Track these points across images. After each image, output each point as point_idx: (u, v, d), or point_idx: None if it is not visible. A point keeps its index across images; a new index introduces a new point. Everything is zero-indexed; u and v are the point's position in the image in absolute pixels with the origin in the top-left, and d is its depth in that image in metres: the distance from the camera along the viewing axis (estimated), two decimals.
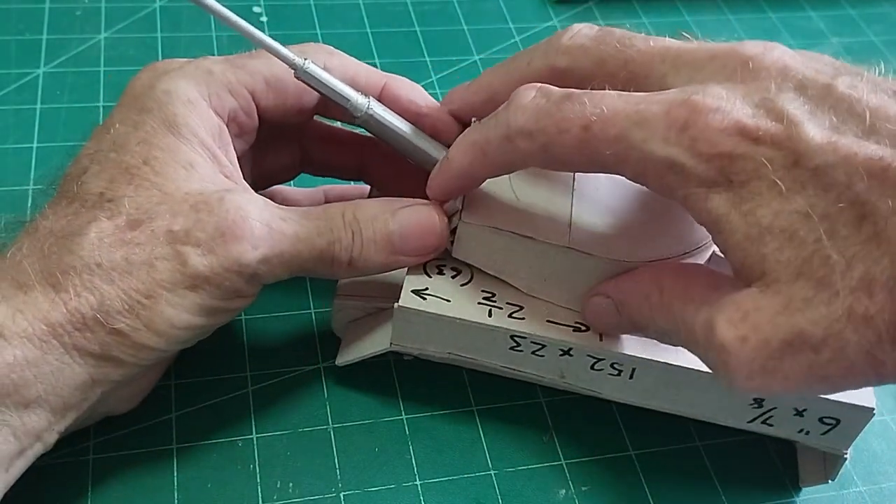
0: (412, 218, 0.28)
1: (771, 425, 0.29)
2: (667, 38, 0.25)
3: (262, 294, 0.34)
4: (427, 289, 0.29)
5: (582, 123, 0.23)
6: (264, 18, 0.47)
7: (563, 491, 0.30)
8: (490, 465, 0.31)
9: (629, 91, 0.24)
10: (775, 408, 0.28)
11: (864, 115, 0.21)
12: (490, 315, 0.29)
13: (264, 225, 0.26)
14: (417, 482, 0.30)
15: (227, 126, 0.28)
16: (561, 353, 0.29)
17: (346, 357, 0.32)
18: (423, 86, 0.45)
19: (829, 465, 0.30)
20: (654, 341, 0.27)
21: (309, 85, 0.28)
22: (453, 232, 0.29)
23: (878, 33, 0.52)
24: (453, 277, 0.29)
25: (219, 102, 0.27)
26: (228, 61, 0.28)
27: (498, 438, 0.31)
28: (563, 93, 0.24)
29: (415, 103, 0.30)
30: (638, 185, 0.26)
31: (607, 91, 0.24)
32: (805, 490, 0.31)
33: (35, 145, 0.39)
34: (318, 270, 0.28)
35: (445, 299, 0.29)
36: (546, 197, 0.29)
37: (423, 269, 0.30)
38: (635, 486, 0.31)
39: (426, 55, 0.46)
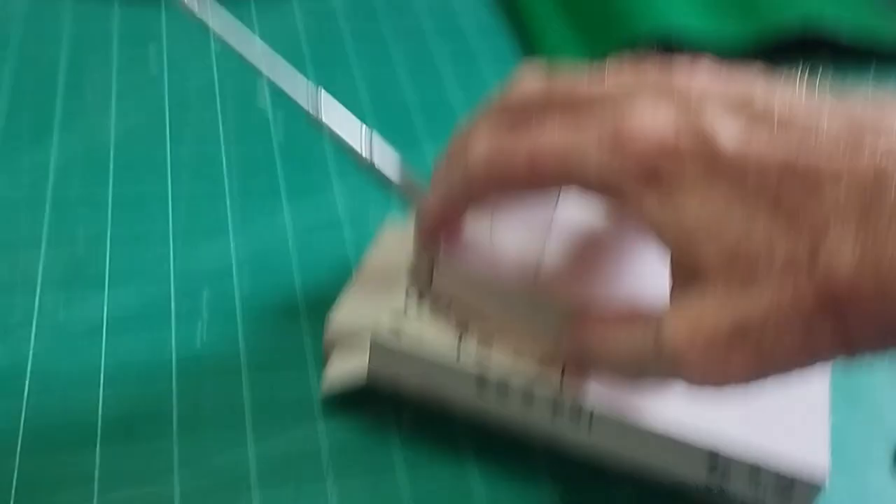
0: None
1: (728, 479, 0.29)
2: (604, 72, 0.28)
3: (259, 350, 0.35)
4: (403, 327, 0.31)
5: (528, 152, 0.26)
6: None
7: None
8: None
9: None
10: (730, 468, 0.29)
11: (774, 116, 0.24)
12: (459, 355, 0.30)
13: None
14: None
15: None
16: (523, 398, 0.30)
17: (327, 386, 0.34)
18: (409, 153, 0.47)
19: None
20: (616, 392, 0.29)
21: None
22: (431, 272, 0.31)
23: None
24: (429, 316, 0.32)
25: None
26: None
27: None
28: (512, 126, 0.28)
29: None
30: (613, 237, 0.30)
31: (549, 122, 0.27)
32: None
33: None
34: None
35: (419, 338, 0.31)
36: (521, 242, 0.31)
37: (404, 308, 0.32)
38: None
39: (418, 134, 0.48)
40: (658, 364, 0.25)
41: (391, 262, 0.36)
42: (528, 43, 0.55)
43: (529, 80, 0.29)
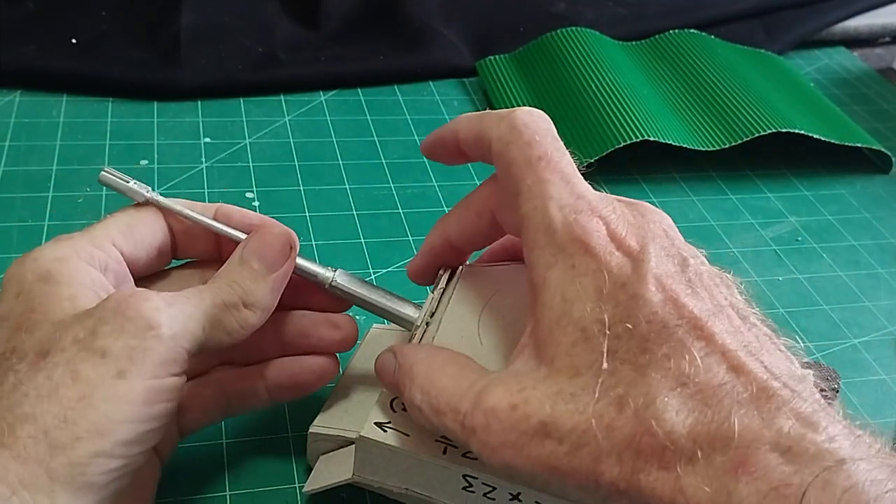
0: (255, 240, 0.31)
1: None
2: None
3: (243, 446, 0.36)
4: (390, 422, 0.31)
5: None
6: (256, 203, 0.50)
7: None
8: None
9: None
10: None
11: (694, 281, 0.25)
12: (445, 452, 0.30)
13: (156, 293, 0.27)
14: None
15: (105, 276, 0.29)
16: (511, 496, 0.30)
17: (313, 485, 0.33)
18: (403, 261, 0.48)
19: None
20: None
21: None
22: None
23: (833, 213, 0.55)
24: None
25: (88, 256, 0.29)
26: (86, 228, 0.30)
27: None
28: None
29: (247, 217, 0.33)
30: None
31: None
32: None
33: None
34: (226, 322, 0.29)
35: (405, 433, 0.30)
36: (508, 339, 0.31)
37: (390, 404, 0.31)
38: None
39: (409, 234, 0.49)
40: (462, 417, 0.26)
41: (384, 344, 0.36)
42: None
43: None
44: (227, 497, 0.34)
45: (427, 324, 0.32)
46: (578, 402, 0.24)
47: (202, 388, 0.33)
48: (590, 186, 0.28)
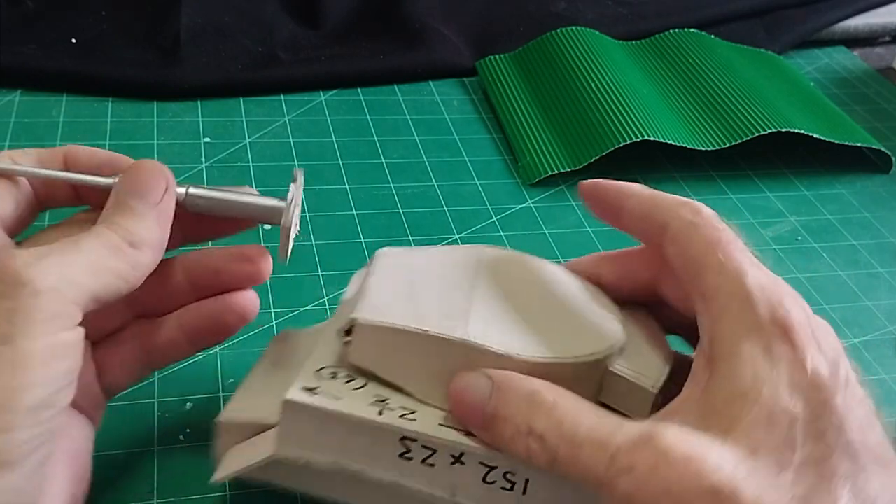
0: (128, 179, 0.29)
1: None
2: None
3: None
4: (318, 387, 0.28)
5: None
6: None
7: None
8: None
9: None
10: None
11: (870, 412, 0.26)
12: (381, 414, 0.28)
13: (24, 249, 0.26)
14: None
15: None
16: (452, 460, 0.27)
17: (225, 472, 0.30)
18: None
19: None
20: None
21: None
22: (348, 333, 0.29)
23: (833, 212, 0.55)
24: (346, 382, 0.29)
25: None
26: None
27: None
28: None
29: (96, 156, 0.31)
30: (540, 285, 0.30)
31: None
32: None
33: None
34: (115, 266, 0.27)
35: (336, 396, 0.28)
36: (445, 294, 0.30)
37: (315, 374, 0.29)
38: None
39: (409, 234, 0.49)
40: (621, 452, 0.24)
41: (294, 344, 0.34)
42: (514, 154, 0.57)
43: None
44: (227, 497, 0.34)
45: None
46: (757, 481, 0.23)
47: (118, 345, 0.32)
48: None
